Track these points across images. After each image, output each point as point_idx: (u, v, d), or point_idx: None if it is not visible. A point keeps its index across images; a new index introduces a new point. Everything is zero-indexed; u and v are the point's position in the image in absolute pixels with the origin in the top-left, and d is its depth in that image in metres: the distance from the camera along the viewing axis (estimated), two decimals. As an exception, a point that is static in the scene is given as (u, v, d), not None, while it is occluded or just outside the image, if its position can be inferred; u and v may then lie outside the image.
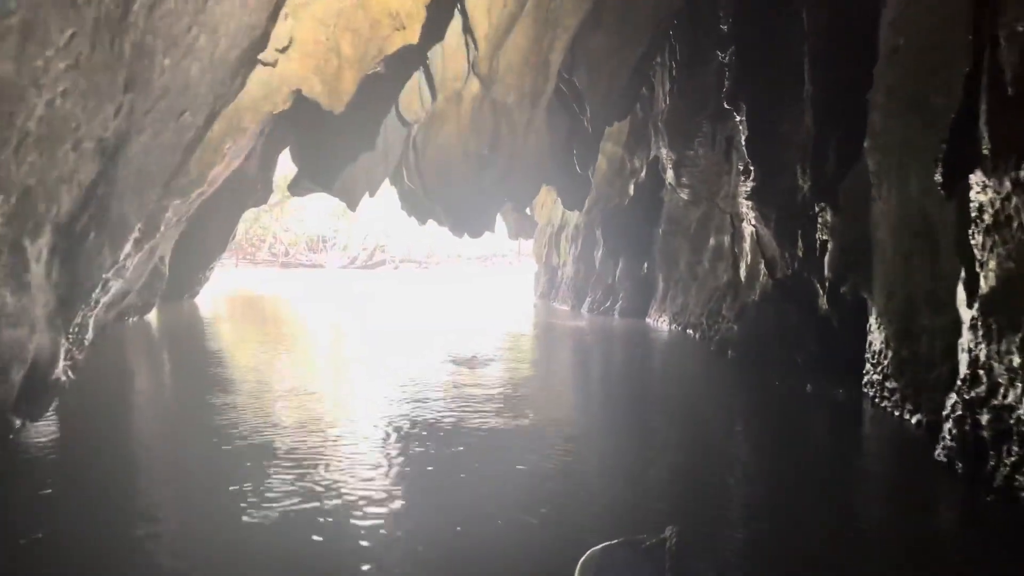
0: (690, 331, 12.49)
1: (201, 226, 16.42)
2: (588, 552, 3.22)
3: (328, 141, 12.87)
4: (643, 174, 15.21)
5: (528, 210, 21.92)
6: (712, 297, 12.12)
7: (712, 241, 12.68)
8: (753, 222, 10.05)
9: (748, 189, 9.55)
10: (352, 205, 14.36)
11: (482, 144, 13.43)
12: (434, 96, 12.49)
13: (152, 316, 13.72)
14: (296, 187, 14.25)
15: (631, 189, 15.83)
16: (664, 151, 13.28)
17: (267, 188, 17.86)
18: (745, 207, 10.36)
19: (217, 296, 20.83)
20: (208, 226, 16.66)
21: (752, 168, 9.38)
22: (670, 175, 13.23)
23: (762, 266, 10.09)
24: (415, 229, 51.05)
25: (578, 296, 17.85)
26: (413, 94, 12.74)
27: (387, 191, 18.40)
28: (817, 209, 8.29)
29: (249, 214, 48.53)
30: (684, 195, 13.28)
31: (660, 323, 14.32)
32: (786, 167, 8.86)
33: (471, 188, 14.91)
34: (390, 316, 17.75)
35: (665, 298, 14.52)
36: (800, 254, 8.86)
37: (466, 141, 13.44)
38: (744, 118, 9.51)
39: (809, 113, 8.19)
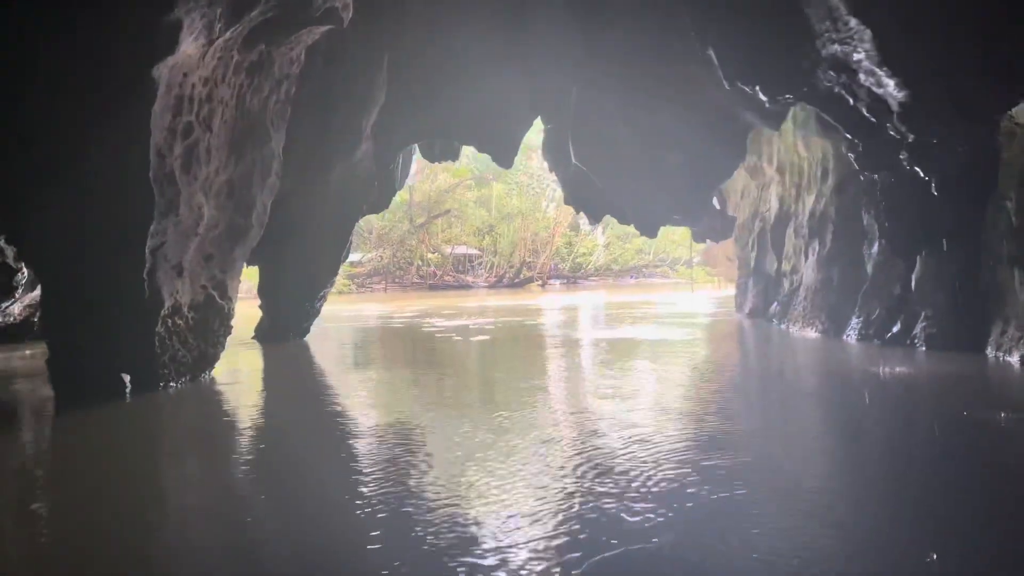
0: None
1: (301, 244, 11.41)
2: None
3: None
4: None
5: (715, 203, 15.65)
6: None
7: None
8: None
9: None
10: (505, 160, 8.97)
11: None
12: None
13: (215, 376, 8.79)
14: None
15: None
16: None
17: (388, 187, 12.71)
18: None
19: (345, 329, 15.97)
20: (312, 243, 11.66)
21: None
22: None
23: None
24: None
25: (833, 316, 11.33)
26: None
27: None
28: None
29: (394, 235, 45.41)
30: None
31: (1017, 359, 7.79)
32: None
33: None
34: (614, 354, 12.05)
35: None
36: None
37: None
38: None
39: None
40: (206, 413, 6.93)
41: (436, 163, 14.52)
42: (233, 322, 8.73)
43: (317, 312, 12.73)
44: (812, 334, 11.65)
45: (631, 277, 48.47)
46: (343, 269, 42.21)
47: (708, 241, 27.89)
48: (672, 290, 33.83)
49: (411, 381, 8.88)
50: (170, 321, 7.29)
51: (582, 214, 15.18)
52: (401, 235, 44.90)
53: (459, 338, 12.97)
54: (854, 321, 10.68)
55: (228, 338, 8.73)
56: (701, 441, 5.13)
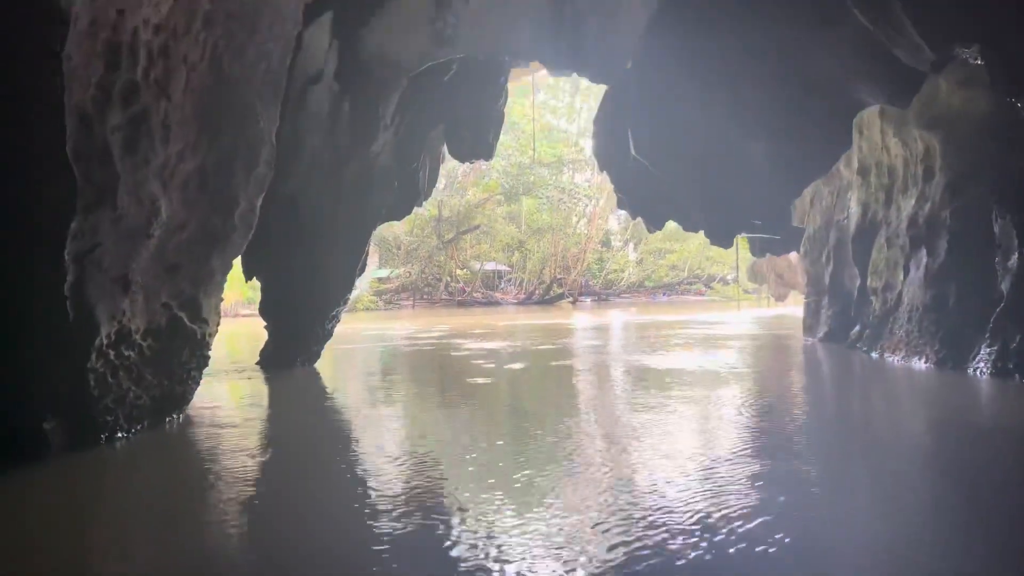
0: None
1: (310, 254, 9.47)
2: None
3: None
4: None
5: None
6: None
7: None
8: None
9: None
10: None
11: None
12: None
13: (191, 417, 6.81)
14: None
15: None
16: None
17: (411, 189, 10.74)
18: None
19: (365, 353, 13.98)
20: (322, 253, 9.71)
21: None
22: None
23: None
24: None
25: (951, 342, 9.01)
26: None
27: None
28: None
29: (422, 250, 43.59)
30: None
31: None
32: None
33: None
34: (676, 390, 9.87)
35: None
36: None
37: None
38: None
39: None
40: (156, 483, 4.90)
41: (467, 163, 12.55)
42: (210, 351, 6.74)
43: (329, 334, 10.73)
44: (920, 365, 9.34)
45: (663, 294, 46.10)
46: (370, 285, 40.72)
47: (754, 256, 25.62)
48: (712, 308, 31.40)
49: (443, 434, 6.79)
50: (112, 352, 5.31)
51: (619, 224, 12.92)
52: (429, 251, 43.17)
53: (491, 365, 10.87)
54: (984, 351, 8.38)
55: (205, 370, 6.74)
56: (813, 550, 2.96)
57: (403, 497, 4.18)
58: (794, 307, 26.84)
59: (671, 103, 8.22)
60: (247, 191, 6.50)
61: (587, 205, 46.23)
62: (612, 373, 9.99)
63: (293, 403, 8.32)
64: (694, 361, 11.02)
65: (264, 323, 10.42)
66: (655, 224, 11.38)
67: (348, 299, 10.53)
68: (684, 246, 46.76)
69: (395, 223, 43.27)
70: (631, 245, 49.89)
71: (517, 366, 10.73)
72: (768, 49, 7.33)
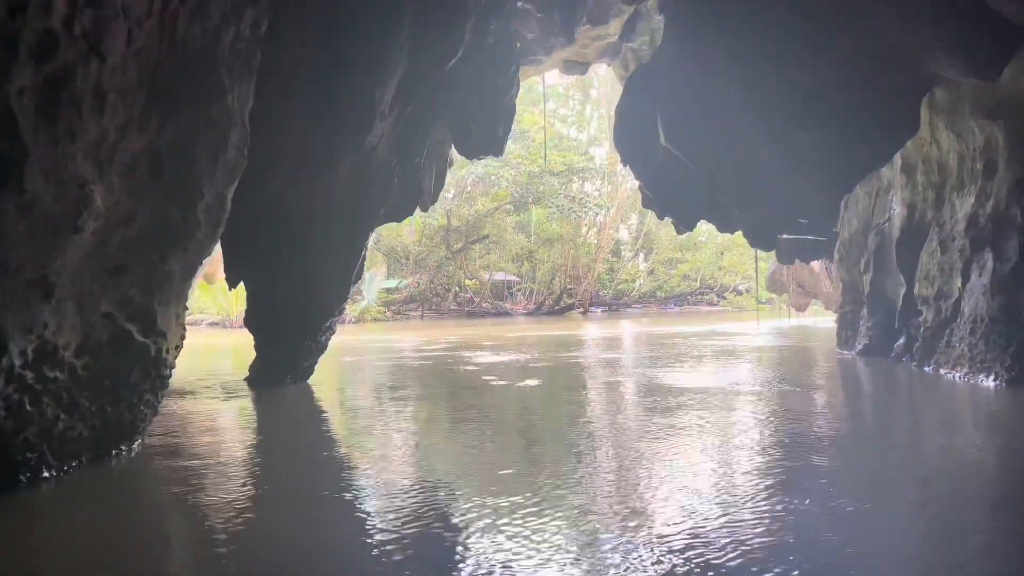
0: None
1: (300, 258, 8.39)
2: None
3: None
4: None
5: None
6: None
7: None
8: None
9: None
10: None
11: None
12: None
13: (147, 449, 5.68)
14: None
15: None
16: None
17: (412, 187, 9.65)
18: None
19: (367, 367, 12.87)
20: (314, 257, 8.61)
21: None
22: None
23: None
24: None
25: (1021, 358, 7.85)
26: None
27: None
28: None
29: (431, 260, 42.51)
30: None
31: None
32: None
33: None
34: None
35: None
36: None
37: None
38: None
39: None
40: (78, 537, 3.78)
41: (475, 159, 11.44)
42: (171, 370, 5.62)
43: (323, 347, 9.60)
44: (988, 383, 8.12)
45: (674, 305, 44.80)
46: (378, 295, 39.65)
47: (774, 264, 24.37)
48: (727, 319, 30.12)
49: (450, 471, 5.64)
50: (31, 375, 4.20)
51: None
52: (438, 261, 42.15)
53: (504, 382, 9.71)
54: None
55: (163, 393, 5.62)
56: None
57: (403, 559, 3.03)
58: (815, 318, 25.55)
59: (707, 85, 7.08)
60: (213, 180, 5.40)
61: (597, 214, 45.10)
62: (640, 394, 8.81)
63: (272, 429, 7.18)
64: (723, 377, 9.82)
65: (252, 335, 9.32)
66: (686, 225, 10.13)
67: (343, 308, 9.40)
68: (696, 256, 45.53)
69: (403, 233, 42.46)
70: (642, 255, 48.70)
71: (531, 384, 9.55)
72: (821, 16, 6.18)
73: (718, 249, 45.37)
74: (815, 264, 22.06)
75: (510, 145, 44.61)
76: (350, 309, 36.07)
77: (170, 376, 5.62)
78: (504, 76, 9.71)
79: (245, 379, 9.48)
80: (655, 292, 45.70)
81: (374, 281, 39.00)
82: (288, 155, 7.70)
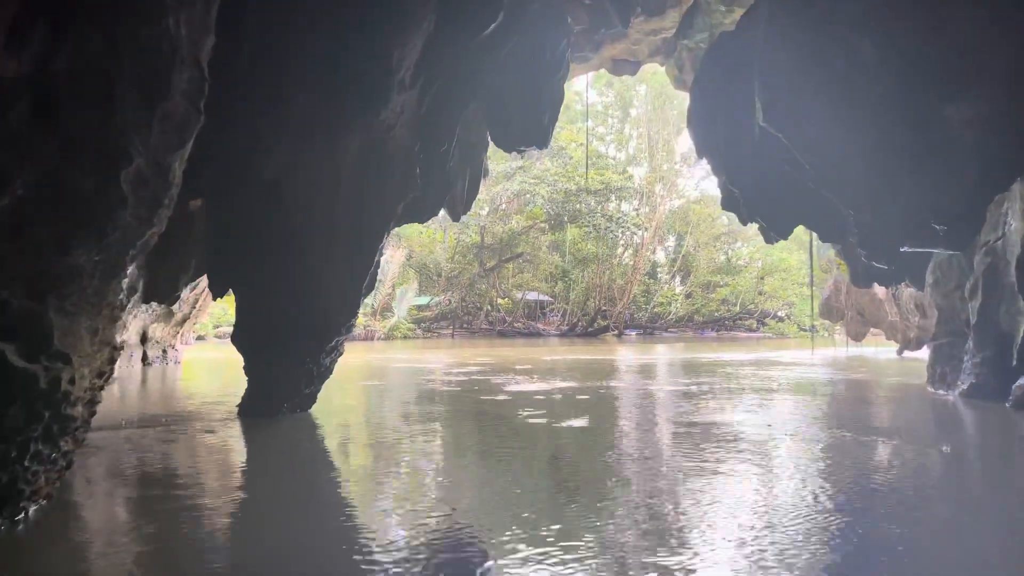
0: None
1: (299, 263, 6.68)
2: None
3: None
4: None
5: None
6: None
7: None
8: None
9: None
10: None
11: None
12: None
13: (54, 519, 3.95)
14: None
15: None
16: None
17: (439, 181, 7.94)
18: None
19: (386, 393, 11.09)
20: (317, 261, 6.89)
21: None
22: None
23: None
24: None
25: None
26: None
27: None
28: None
29: (463, 278, 40.84)
30: None
31: None
32: None
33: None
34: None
35: None
36: None
37: None
38: None
39: None
40: None
41: (513, 153, 9.67)
42: (83, 407, 3.91)
43: (328, 371, 7.87)
44: None
45: (712, 330, 42.45)
46: (408, 313, 38.09)
47: (829, 288, 22.12)
48: (771, 346, 27.80)
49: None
50: None
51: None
52: (471, 278, 40.62)
53: (542, 421, 7.83)
54: None
55: (75, 444, 3.90)
56: None
57: None
58: (875, 348, 23.13)
59: (824, 47, 5.23)
60: (147, 139, 3.71)
61: (634, 235, 43.15)
62: (725, 449, 6.87)
63: (242, 480, 5.40)
64: (791, 421, 7.80)
65: (242, 356, 7.61)
66: (779, 231, 8.10)
67: (352, 325, 7.65)
68: (736, 280, 43.24)
69: (436, 249, 40.94)
70: (678, 278, 46.56)
71: (576, 424, 7.65)
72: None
73: (759, 273, 43.07)
74: (879, 290, 19.82)
75: (547, 162, 42.87)
76: (380, 325, 34.64)
77: (83, 418, 3.91)
78: (552, 52, 7.96)
79: (237, 406, 7.80)
80: (692, 316, 43.48)
81: (405, 297, 37.55)
82: (285, 130, 6.02)
